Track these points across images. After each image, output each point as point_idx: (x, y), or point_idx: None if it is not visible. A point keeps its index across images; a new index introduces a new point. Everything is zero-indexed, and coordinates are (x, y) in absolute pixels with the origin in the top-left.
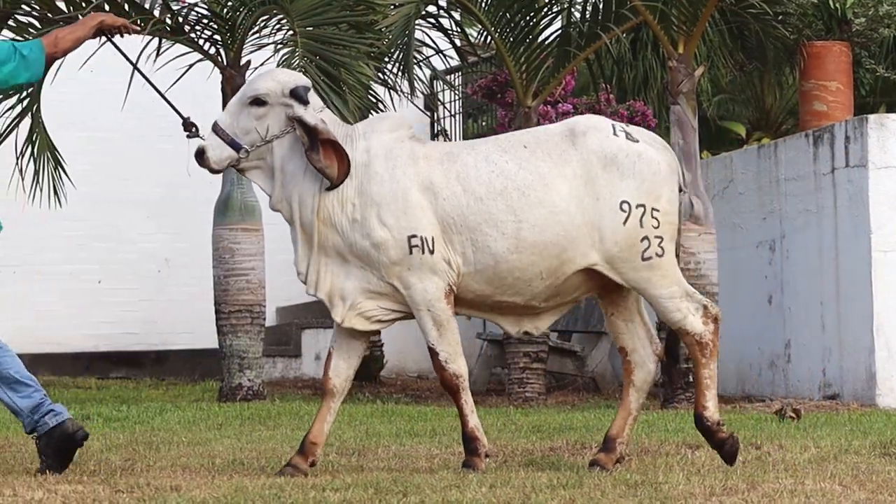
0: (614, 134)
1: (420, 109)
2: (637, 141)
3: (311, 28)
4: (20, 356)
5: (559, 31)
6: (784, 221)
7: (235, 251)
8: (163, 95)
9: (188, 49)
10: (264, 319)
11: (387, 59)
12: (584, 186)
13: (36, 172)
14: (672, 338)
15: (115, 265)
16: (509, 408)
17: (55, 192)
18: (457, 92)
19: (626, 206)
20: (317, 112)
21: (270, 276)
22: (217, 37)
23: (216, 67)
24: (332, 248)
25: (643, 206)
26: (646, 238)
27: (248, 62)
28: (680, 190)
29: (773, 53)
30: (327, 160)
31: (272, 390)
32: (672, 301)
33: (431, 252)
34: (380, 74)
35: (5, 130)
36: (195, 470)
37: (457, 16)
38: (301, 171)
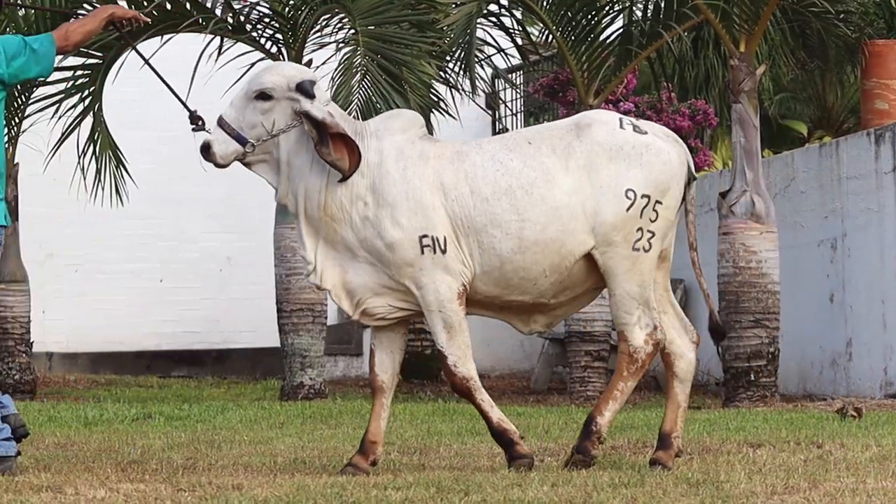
0: (621, 127)
1: (481, 108)
2: (645, 133)
3: (372, 27)
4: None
5: (621, 30)
6: (845, 220)
7: (297, 250)
8: (170, 87)
9: (249, 48)
10: (326, 318)
11: (448, 58)
12: (588, 177)
13: (98, 171)
14: (715, 326)
15: (177, 264)
16: (570, 406)
17: (117, 191)
18: (518, 90)
19: (630, 194)
20: (324, 105)
21: None
22: (278, 35)
23: None
24: (341, 242)
25: (648, 197)
26: (640, 229)
27: (310, 61)
28: (692, 180)
29: (834, 52)
30: (337, 153)
31: (334, 389)
32: (630, 301)
33: (444, 252)
34: (441, 73)
35: (67, 129)
36: (257, 469)
37: (518, 14)
38: (307, 166)
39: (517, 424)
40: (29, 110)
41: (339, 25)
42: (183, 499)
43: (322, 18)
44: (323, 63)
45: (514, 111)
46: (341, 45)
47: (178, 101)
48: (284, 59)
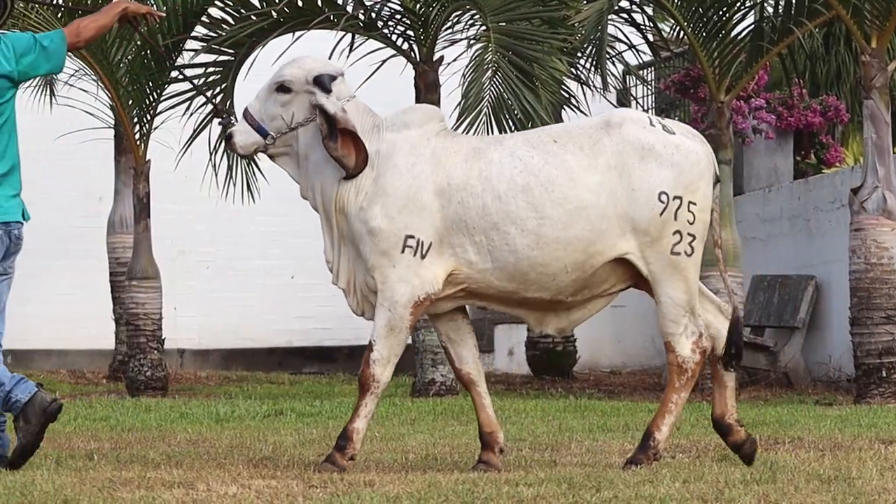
0: (651, 125)
1: (612, 104)
2: (674, 133)
3: (503, 24)
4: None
5: (752, 26)
6: None
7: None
8: (191, 82)
9: (381, 45)
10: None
11: (579, 55)
12: (619, 178)
13: (229, 168)
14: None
15: (308, 260)
16: (702, 403)
17: (248, 188)
18: (649, 87)
19: (664, 198)
20: (342, 101)
21: None
22: (410, 32)
23: (409, 63)
24: (348, 237)
25: (680, 198)
26: (678, 232)
27: (441, 58)
28: (716, 181)
29: None
30: (344, 149)
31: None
32: (677, 309)
33: (423, 257)
34: (572, 70)
35: (198, 126)
36: (388, 465)
37: (649, 11)
38: (324, 160)
39: (647, 421)
40: (160, 107)
41: (470, 22)
42: (314, 495)
43: (453, 15)
44: (454, 60)
45: (646, 108)
46: (472, 41)
47: (203, 96)
48: (416, 57)
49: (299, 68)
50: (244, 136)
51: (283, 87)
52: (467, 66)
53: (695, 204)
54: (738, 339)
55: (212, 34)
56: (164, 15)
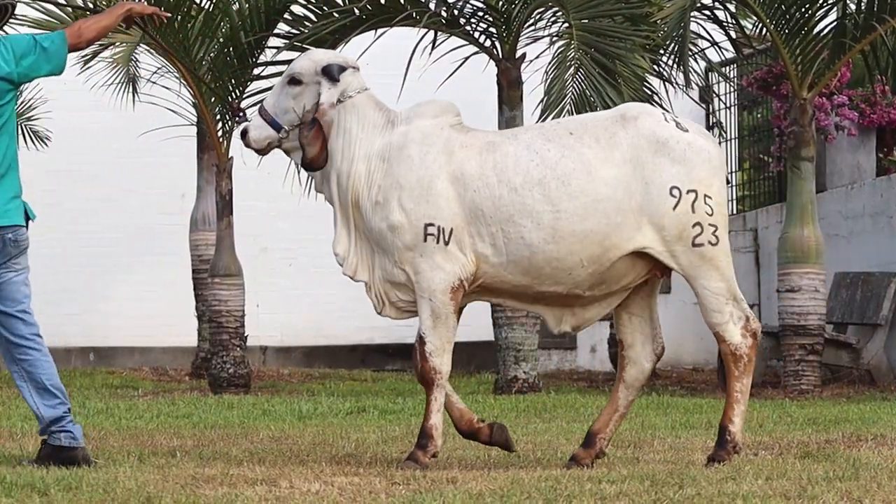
0: (665, 121)
1: (695, 101)
2: (687, 130)
3: (586, 20)
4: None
5: (835, 23)
6: None
7: None
8: (203, 81)
9: (463, 42)
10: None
11: (662, 51)
12: (633, 171)
13: None
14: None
15: None
16: (784, 400)
17: None
18: (732, 84)
19: (675, 192)
20: (355, 92)
21: None
22: (492, 29)
23: (491, 60)
24: (364, 231)
25: (694, 191)
26: (698, 224)
27: (524, 55)
28: (727, 183)
29: None
30: (314, 139)
31: (547, 382)
32: (718, 298)
33: (446, 243)
34: (655, 66)
35: None
36: (471, 462)
37: (732, 7)
38: (338, 153)
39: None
40: (244, 104)
41: (552, 19)
42: (397, 492)
43: (536, 12)
44: (536, 57)
45: (728, 104)
46: (555, 38)
47: (218, 95)
48: (498, 54)
49: (309, 60)
50: (258, 130)
51: (293, 80)
52: (550, 63)
53: (710, 197)
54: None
55: (294, 31)
56: (169, 15)
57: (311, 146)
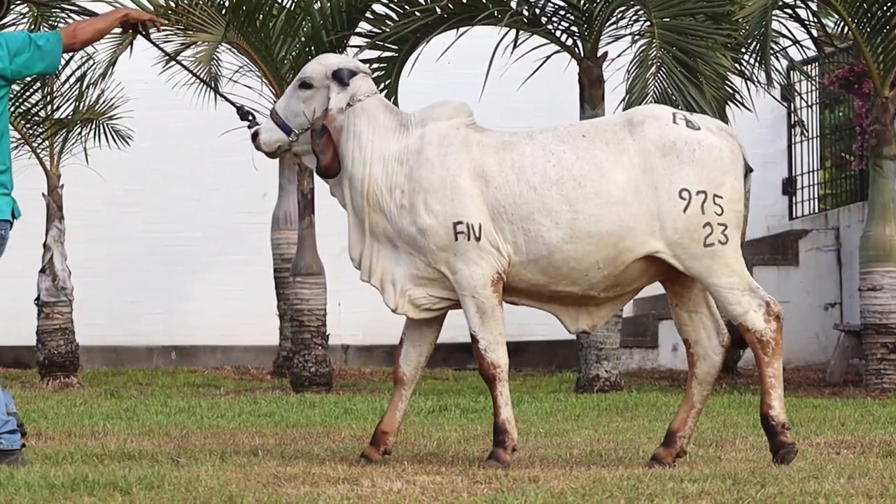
0: (674, 122)
1: (777, 100)
2: (698, 129)
3: (668, 19)
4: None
5: None
6: None
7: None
8: (210, 86)
9: (545, 41)
10: (621, 310)
11: (744, 50)
12: (642, 175)
13: None
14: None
15: None
16: (866, 399)
17: None
18: (813, 82)
19: (685, 194)
20: (365, 96)
21: None
22: (574, 28)
23: (573, 59)
24: (382, 233)
25: (704, 192)
26: (708, 224)
27: (605, 53)
28: (749, 171)
29: None
30: (326, 146)
31: (629, 381)
32: (732, 292)
33: (478, 239)
34: (737, 65)
35: None
36: (553, 461)
37: (813, 6)
38: (349, 156)
39: (812, 417)
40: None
41: (634, 18)
42: (479, 491)
43: (617, 11)
44: (618, 56)
45: (810, 103)
46: (636, 37)
47: (223, 99)
48: (580, 53)
49: (320, 64)
50: (269, 133)
51: (304, 84)
52: (631, 62)
53: (721, 197)
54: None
55: (376, 30)
56: (165, 22)
57: (324, 153)
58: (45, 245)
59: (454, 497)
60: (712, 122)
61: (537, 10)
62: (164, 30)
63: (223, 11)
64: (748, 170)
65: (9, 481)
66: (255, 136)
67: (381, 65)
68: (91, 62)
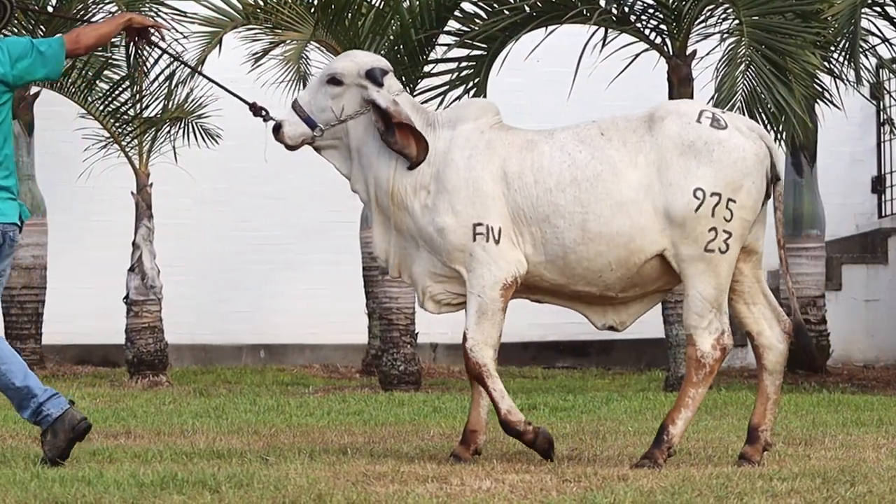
0: (698, 121)
1: (866, 98)
2: (724, 127)
3: (756, 17)
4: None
5: None
6: None
7: None
8: (219, 84)
9: (633, 39)
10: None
11: (833, 48)
12: (657, 173)
13: None
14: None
15: None
16: None
17: None
18: None
19: (699, 194)
20: (392, 95)
21: None
22: (663, 27)
23: (662, 57)
24: (406, 231)
25: (718, 195)
26: (713, 229)
27: (694, 52)
28: (776, 179)
29: None
30: (404, 141)
31: (718, 379)
32: (703, 304)
33: (497, 241)
34: (826, 63)
35: None
36: None
37: None
38: (376, 154)
39: None
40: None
41: (723, 16)
42: (568, 489)
43: (706, 9)
44: (707, 54)
45: None
46: (725, 35)
47: (232, 96)
48: (669, 51)
49: (351, 62)
50: (293, 126)
51: (334, 80)
52: (720, 60)
53: (734, 202)
54: (807, 343)
55: (464, 29)
56: (169, 28)
57: (408, 147)
58: (133, 244)
59: (543, 495)
60: (744, 121)
61: (626, 9)
62: (252, 29)
63: (312, 10)
64: (776, 178)
65: (98, 479)
66: (277, 129)
67: (470, 63)
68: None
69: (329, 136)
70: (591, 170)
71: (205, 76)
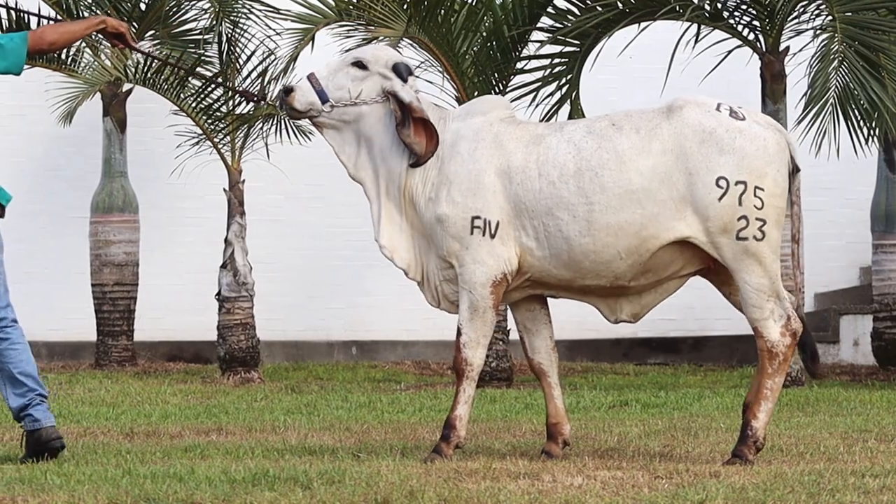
0: (717, 110)
1: None
2: (743, 119)
3: (849, 13)
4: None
5: None
6: None
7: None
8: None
9: (726, 35)
10: (802, 305)
11: None
12: (675, 161)
13: None
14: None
15: None
16: None
17: None
18: None
19: (722, 183)
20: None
21: (808, 262)
22: (755, 23)
23: (754, 53)
24: (417, 228)
25: (744, 183)
26: (744, 217)
27: (787, 48)
28: (796, 170)
29: None
30: (417, 136)
31: (810, 376)
32: (758, 294)
33: (492, 236)
34: None
35: (544, 117)
36: None
37: None
38: (389, 147)
39: None
40: (506, 98)
41: (815, 12)
42: (660, 486)
43: (799, 5)
44: (799, 50)
45: None
46: (818, 31)
47: (223, 88)
48: (762, 47)
49: (381, 51)
50: (304, 94)
51: (360, 63)
52: (813, 57)
53: (762, 189)
54: (811, 340)
55: (557, 25)
56: (136, 45)
57: (418, 143)
58: (226, 240)
59: (635, 492)
60: (761, 115)
61: (719, 5)
62: (345, 25)
63: (405, 6)
64: (796, 169)
65: (189, 476)
66: (288, 91)
67: (563, 60)
68: (273, 57)
69: (336, 115)
70: (596, 159)
71: (197, 76)
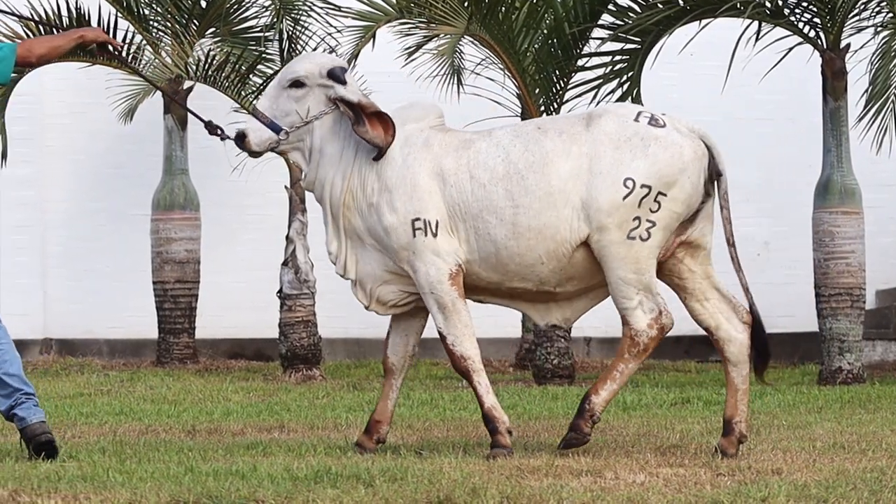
0: (635, 119)
1: None
2: (662, 126)
3: None
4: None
5: None
6: None
7: (835, 234)
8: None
9: (787, 32)
10: (864, 302)
11: None
12: (588, 163)
13: None
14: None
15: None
16: None
17: None
18: None
19: (629, 183)
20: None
21: (870, 259)
22: (816, 20)
23: (815, 50)
24: (354, 231)
25: (648, 187)
26: (637, 218)
27: (848, 45)
28: (719, 175)
29: None
30: (374, 131)
31: (871, 373)
32: (627, 287)
33: (434, 235)
34: None
35: None
36: (795, 453)
37: None
38: (338, 155)
39: None
40: (567, 95)
41: (876, 9)
42: (722, 483)
43: (860, 2)
44: (860, 47)
45: None
46: (879, 28)
47: (189, 112)
48: (822, 44)
49: (311, 63)
50: (257, 133)
51: (297, 83)
52: (874, 54)
53: (665, 195)
54: (764, 338)
55: (618, 22)
56: (122, 46)
57: (378, 137)
58: (287, 238)
59: (697, 489)
60: (684, 123)
61: (780, 2)
62: (406, 23)
63: (465, 4)
64: (717, 174)
65: (252, 473)
66: (242, 138)
67: (624, 57)
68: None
69: (294, 137)
70: (522, 163)
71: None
